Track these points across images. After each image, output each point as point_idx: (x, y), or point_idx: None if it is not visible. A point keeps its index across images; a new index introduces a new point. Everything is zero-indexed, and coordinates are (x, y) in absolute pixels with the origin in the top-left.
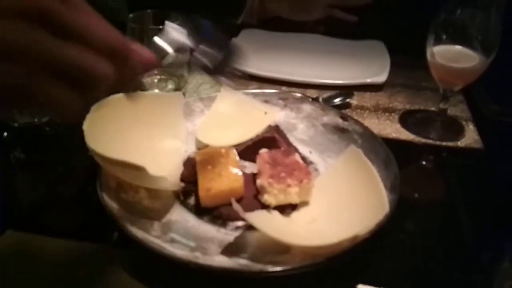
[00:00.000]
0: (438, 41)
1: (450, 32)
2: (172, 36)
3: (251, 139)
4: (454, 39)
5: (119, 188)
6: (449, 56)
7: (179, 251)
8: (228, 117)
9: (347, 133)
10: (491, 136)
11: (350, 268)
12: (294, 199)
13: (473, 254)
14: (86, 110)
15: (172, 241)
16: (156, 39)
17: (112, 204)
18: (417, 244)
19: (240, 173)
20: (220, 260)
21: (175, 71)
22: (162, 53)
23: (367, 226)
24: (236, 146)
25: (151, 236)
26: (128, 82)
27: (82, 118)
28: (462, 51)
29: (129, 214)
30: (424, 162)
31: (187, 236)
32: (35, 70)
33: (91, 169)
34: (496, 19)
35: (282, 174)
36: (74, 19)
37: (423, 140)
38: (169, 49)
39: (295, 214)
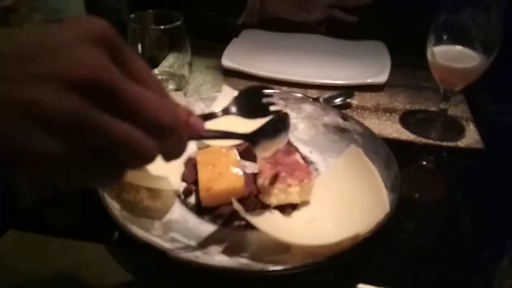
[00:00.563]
0: (439, 41)
1: (450, 32)
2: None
3: None
4: (454, 39)
5: (121, 188)
6: (450, 56)
7: (180, 251)
8: (229, 117)
9: (348, 133)
10: (492, 136)
11: (350, 268)
12: (294, 198)
13: (473, 253)
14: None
15: (173, 240)
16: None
17: (114, 204)
18: (418, 243)
19: (241, 173)
20: (221, 260)
21: (176, 71)
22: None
23: (367, 226)
24: (237, 146)
25: (152, 236)
26: (173, 155)
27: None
28: (462, 51)
29: (130, 214)
30: (424, 162)
31: (187, 236)
32: (74, 145)
33: None
34: (497, 19)
35: (283, 174)
36: (131, 95)
37: (424, 140)
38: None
39: (295, 214)
